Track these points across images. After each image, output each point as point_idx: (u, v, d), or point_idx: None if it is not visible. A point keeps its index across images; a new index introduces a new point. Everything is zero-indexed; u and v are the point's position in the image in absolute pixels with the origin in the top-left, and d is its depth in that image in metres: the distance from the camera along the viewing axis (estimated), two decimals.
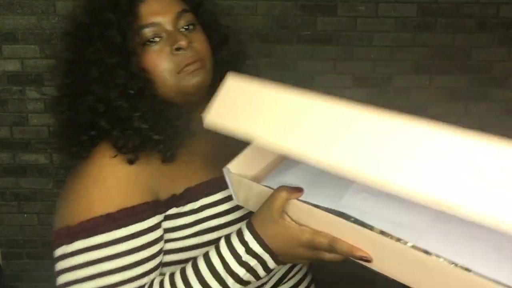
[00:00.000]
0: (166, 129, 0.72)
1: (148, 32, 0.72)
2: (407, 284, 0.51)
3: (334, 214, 0.54)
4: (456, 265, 0.47)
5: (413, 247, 0.49)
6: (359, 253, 0.53)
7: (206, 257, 0.64)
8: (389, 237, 0.51)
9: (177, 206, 0.72)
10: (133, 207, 0.66)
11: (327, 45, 2.02)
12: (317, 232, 0.56)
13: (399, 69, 2.06)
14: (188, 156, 0.76)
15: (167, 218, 0.71)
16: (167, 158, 0.72)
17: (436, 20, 2.00)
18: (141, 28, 0.71)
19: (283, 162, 0.72)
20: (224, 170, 0.66)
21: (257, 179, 0.68)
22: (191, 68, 0.73)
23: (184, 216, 0.72)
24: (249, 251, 0.61)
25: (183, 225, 0.72)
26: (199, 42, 0.77)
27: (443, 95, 2.08)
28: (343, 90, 2.06)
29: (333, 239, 0.54)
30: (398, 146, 0.47)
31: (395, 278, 0.51)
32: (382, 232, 0.52)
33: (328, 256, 0.57)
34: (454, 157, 0.43)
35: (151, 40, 0.72)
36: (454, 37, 2.02)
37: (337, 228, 0.54)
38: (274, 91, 0.59)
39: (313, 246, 0.57)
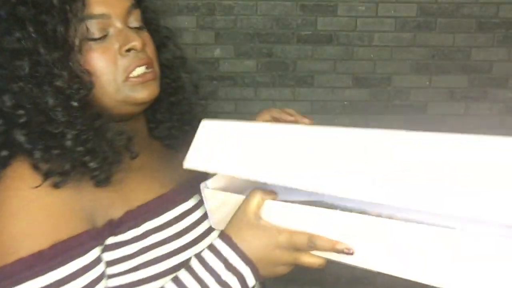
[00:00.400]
0: (105, 153, 0.59)
1: (95, 24, 0.59)
2: (393, 274, 0.51)
3: (310, 205, 0.53)
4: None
5: (398, 220, 0.48)
6: (340, 246, 0.51)
7: (178, 281, 0.56)
8: (370, 215, 0.50)
9: (115, 234, 0.59)
10: (68, 240, 0.54)
11: (327, 45, 2.02)
12: (295, 231, 0.53)
13: (399, 69, 2.06)
14: (127, 174, 0.63)
15: (106, 249, 0.58)
16: (102, 182, 0.59)
17: (436, 20, 2.00)
18: (86, 18, 0.58)
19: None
20: (202, 186, 0.63)
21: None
22: (142, 78, 0.62)
23: (126, 246, 0.59)
24: (228, 266, 0.55)
25: (125, 257, 0.59)
26: (149, 44, 0.66)
27: (443, 95, 2.08)
28: (343, 90, 2.06)
29: (312, 236, 0.52)
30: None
31: (379, 270, 0.51)
32: (363, 212, 0.51)
33: (307, 259, 0.54)
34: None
35: (94, 35, 0.59)
36: (454, 37, 2.02)
37: (316, 222, 0.52)
38: (247, 127, 0.61)
39: (292, 246, 0.53)
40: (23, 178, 0.55)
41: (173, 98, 0.75)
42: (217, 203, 0.62)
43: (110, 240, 0.59)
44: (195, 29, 1.99)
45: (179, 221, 0.64)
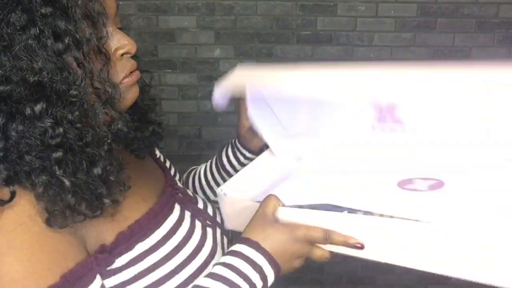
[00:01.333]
0: (100, 194, 0.52)
1: (95, 22, 0.52)
2: (397, 263, 0.56)
3: (324, 209, 0.59)
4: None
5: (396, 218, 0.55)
6: (352, 241, 0.56)
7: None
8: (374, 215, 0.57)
9: (110, 262, 0.55)
10: (75, 268, 0.50)
11: (327, 45, 2.02)
12: (311, 226, 0.58)
13: None
14: None
15: (103, 276, 0.55)
16: (97, 216, 0.53)
17: (436, 20, 2.00)
18: (87, 16, 0.51)
19: (276, 183, 0.75)
20: (218, 191, 0.68)
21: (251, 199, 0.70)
22: (132, 78, 0.59)
23: (122, 271, 0.56)
24: (255, 267, 0.56)
25: (124, 283, 0.55)
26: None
27: None
28: None
29: (328, 230, 0.57)
30: None
31: (385, 261, 0.56)
32: (367, 213, 0.58)
33: (319, 252, 0.59)
34: None
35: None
36: (454, 37, 2.02)
37: (326, 223, 0.58)
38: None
39: (309, 239, 0.58)
40: (23, 213, 0.49)
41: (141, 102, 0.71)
42: (235, 209, 0.66)
43: (106, 267, 0.55)
44: (195, 29, 1.99)
45: (171, 237, 0.61)
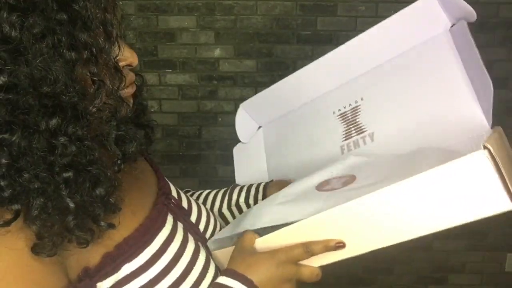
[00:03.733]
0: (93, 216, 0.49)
1: (108, 32, 0.49)
2: (383, 245, 0.55)
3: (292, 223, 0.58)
4: None
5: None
6: (332, 243, 0.55)
7: None
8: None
9: (93, 285, 0.51)
10: None
11: (327, 45, 2.02)
12: (289, 246, 0.57)
13: None
14: None
15: None
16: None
17: None
18: (101, 25, 0.48)
19: None
20: (209, 244, 0.67)
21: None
22: (131, 90, 0.56)
23: None
24: None
25: None
26: None
27: None
28: None
29: (306, 243, 0.56)
30: None
31: (372, 249, 0.55)
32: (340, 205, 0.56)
33: (307, 270, 0.57)
34: None
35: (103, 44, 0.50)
36: None
37: (299, 235, 0.57)
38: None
39: (291, 259, 0.57)
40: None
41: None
42: (225, 260, 0.64)
43: None
44: (195, 29, 1.99)
45: (161, 255, 0.56)
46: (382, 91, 0.75)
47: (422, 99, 0.70)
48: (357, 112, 0.76)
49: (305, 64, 0.84)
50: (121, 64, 0.53)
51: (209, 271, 0.61)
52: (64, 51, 0.44)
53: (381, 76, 0.76)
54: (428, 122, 0.67)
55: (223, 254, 0.64)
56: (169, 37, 1.99)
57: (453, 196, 0.49)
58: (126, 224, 0.55)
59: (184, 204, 0.70)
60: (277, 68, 2.02)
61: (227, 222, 0.84)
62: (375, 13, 2.00)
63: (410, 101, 0.71)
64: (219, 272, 0.63)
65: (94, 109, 0.47)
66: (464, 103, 0.65)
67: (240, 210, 0.84)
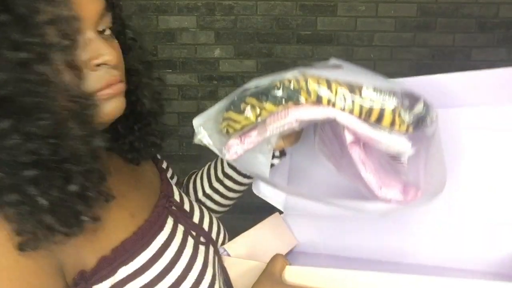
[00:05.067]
0: (74, 207, 0.47)
1: (61, 29, 0.46)
2: None
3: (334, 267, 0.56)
4: None
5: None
6: None
7: None
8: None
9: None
10: None
11: (327, 45, 2.02)
12: None
13: (399, 69, 2.06)
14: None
15: None
16: (74, 234, 0.48)
17: (436, 20, 2.00)
18: (51, 22, 0.45)
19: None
20: (221, 251, 0.64)
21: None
22: (112, 90, 0.52)
23: None
24: None
25: None
26: (119, 55, 0.55)
27: None
28: None
29: None
30: None
31: None
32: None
33: None
34: None
35: (61, 43, 0.47)
36: (454, 37, 2.02)
37: (334, 282, 0.55)
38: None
39: None
40: None
41: (136, 107, 0.65)
42: (240, 270, 0.62)
43: None
44: (195, 29, 1.99)
45: (158, 259, 0.55)
46: None
47: None
48: None
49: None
50: (94, 62, 0.49)
51: (205, 277, 0.60)
52: (7, 52, 0.43)
53: None
54: None
55: (241, 266, 0.62)
56: (169, 37, 1.99)
57: None
58: (124, 227, 0.55)
59: (186, 206, 0.69)
60: (277, 68, 2.02)
61: (216, 200, 0.81)
62: (375, 13, 2.00)
63: None
64: (216, 276, 0.62)
65: (50, 107, 0.45)
66: None
67: (222, 183, 0.79)
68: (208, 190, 0.80)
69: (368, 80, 0.52)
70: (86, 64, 0.49)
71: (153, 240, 0.56)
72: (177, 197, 0.68)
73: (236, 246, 0.64)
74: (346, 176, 0.60)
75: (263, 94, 0.56)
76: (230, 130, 0.59)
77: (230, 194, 0.78)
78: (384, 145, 0.51)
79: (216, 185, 0.79)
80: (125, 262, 0.52)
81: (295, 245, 0.70)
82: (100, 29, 0.52)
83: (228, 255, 0.63)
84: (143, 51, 0.67)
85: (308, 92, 0.52)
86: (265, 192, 0.72)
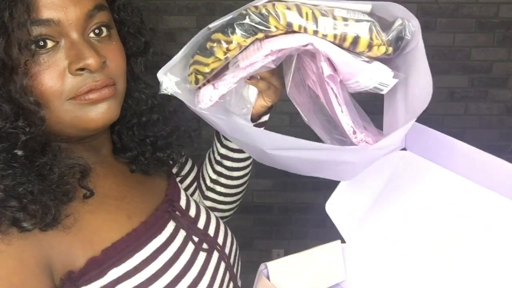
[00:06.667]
0: (46, 201, 0.47)
1: (38, 31, 0.46)
2: None
3: None
4: None
5: None
6: None
7: None
8: None
9: None
10: None
11: None
12: None
13: None
14: (86, 208, 0.52)
15: None
16: (48, 226, 0.47)
17: (436, 20, 2.00)
18: (30, 24, 0.45)
19: None
20: (260, 268, 0.58)
21: None
22: (95, 95, 0.50)
23: None
24: None
25: None
26: (115, 58, 0.53)
27: (443, 95, 2.08)
28: None
29: None
30: None
31: None
32: None
33: None
34: None
35: (40, 45, 0.47)
36: (454, 37, 2.02)
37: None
38: None
39: None
40: None
41: (146, 118, 0.63)
42: None
43: None
44: (195, 29, 1.99)
45: (150, 263, 0.53)
46: None
47: None
48: None
49: None
50: (74, 66, 0.49)
51: (199, 286, 0.57)
52: None
53: None
54: None
55: None
56: (169, 37, 1.99)
57: None
58: (118, 228, 0.53)
59: (192, 211, 0.66)
60: None
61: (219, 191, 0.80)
62: None
63: None
64: (215, 285, 0.60)
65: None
66: None
67: (221, 164, 0.78)
68: (213, 175, 0.80)
69: (339, 3, 0.48)
70: (67, 68, 0.48)
71: (148, 243, 0.54)
72: (183, 202, 0.66)
73: (280, 265, 0.58)
74: (316, 124, 0.57)
75: (229, 26, 0.51)
76: (200, 77, 0.54)
77: (235, 174, 0.78)
78: (363, 75, 0.47)
79: (218, 168, 0.79)
80: (116, 263, 0.51)
81: (342, 281, 0.64)
82: (89, 30, 0.51)
83: (267, 272, 0.57)
84: (158, 55, 0.64)
85: (277, 16, 0.47)
86: (337, 215, 0.65)
